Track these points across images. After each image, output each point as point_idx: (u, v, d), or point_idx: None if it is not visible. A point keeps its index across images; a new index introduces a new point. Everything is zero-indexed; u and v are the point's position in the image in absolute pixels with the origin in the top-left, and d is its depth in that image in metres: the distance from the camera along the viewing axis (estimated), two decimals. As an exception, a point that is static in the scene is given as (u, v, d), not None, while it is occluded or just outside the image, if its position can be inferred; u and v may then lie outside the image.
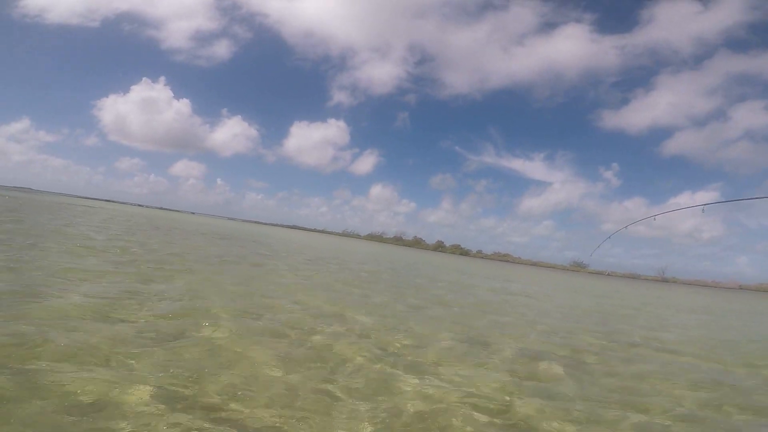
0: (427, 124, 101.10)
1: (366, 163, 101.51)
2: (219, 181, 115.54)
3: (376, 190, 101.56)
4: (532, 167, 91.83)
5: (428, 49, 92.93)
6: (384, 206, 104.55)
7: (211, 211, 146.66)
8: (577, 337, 6.15)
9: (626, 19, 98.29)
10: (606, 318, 9.25)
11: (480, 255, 73.69)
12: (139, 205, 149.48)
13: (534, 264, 65.94)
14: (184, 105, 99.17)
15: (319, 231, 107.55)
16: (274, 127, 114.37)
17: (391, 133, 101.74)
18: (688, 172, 77.11)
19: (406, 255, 36.04)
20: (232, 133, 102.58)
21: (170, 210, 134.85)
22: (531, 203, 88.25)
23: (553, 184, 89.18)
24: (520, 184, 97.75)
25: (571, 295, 15.76)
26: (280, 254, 15.52)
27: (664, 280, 55.44)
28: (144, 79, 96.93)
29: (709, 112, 76.67)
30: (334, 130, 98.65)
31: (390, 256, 28.64)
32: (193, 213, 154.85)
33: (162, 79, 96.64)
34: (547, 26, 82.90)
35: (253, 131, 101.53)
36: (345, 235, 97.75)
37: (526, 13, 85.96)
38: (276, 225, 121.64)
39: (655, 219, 4.00)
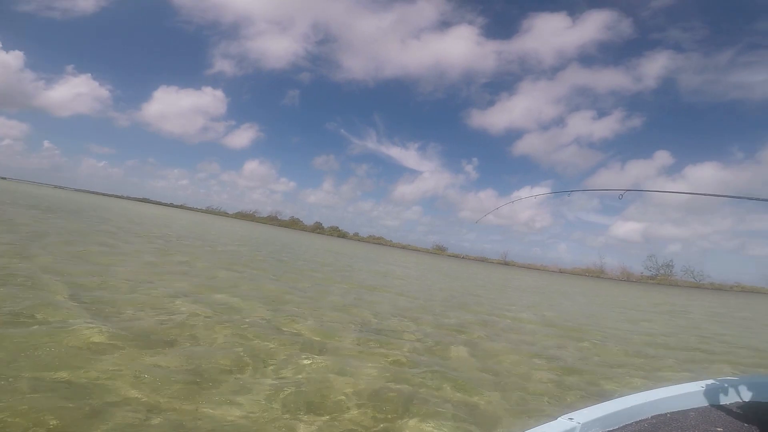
0: (317, 105, 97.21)
1: (242, 137, 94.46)
2: (46, 143, 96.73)
3: (252, 165, 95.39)
4: (407, 156, 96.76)
5: (332, 30, 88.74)
6: (260, 183, 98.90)
7: (30, 177, 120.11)
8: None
9: (510, 26, 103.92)
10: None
11: (357, 237, 75.30)
12: None
13: (404, 247, 70.23)
14: (14, 57, 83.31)
15: (177, 206, 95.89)
16: (132, 90, 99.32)
17: (277, 109, 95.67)
18: (529, 169, 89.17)
19: (281, 237, 34.57)
20: (75, 92, 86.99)
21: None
22: (404, 189, 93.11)
23: (424, 173, 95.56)
24: (396, 171, 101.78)
25: (450, 280, 17.00)
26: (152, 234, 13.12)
27: (506, 263, 64.72)
28: (-38, 26, 74.91)
29: (553, 118, 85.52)
30: (209, 99, 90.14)
31: (263, 238, 27.05)
32: (4, 178, 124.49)
33: (-10, 27, 75.78)
34: (444, 24, 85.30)
35: (103, 92, 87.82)
36: (210, 212, 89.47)
37: (430, 9, 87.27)
38: (121, 197, 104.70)
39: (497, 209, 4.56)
